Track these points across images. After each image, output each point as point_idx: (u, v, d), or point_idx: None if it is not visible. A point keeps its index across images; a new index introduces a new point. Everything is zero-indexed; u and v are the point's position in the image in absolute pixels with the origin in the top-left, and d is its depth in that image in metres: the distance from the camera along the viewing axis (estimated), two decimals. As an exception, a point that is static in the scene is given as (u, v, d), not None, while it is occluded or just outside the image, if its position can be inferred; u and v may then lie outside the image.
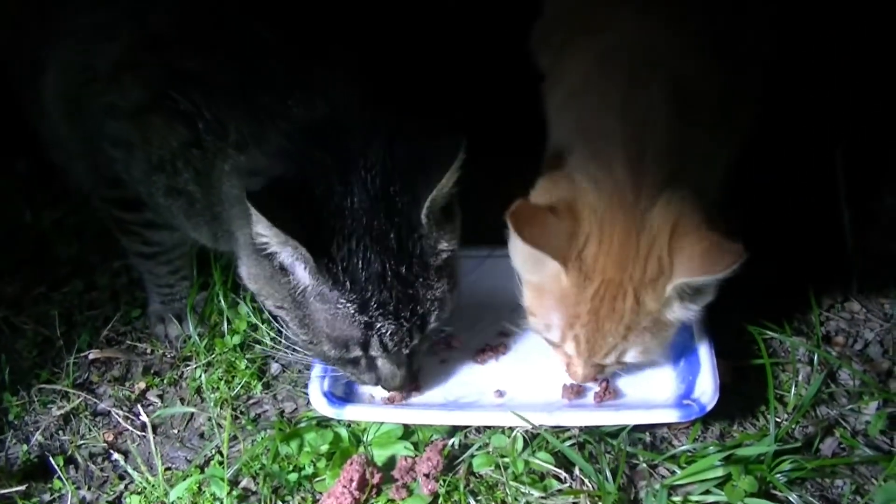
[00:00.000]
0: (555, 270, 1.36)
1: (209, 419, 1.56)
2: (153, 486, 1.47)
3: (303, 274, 1.32)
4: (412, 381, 1.50)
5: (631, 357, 1.41)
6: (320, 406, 1.47)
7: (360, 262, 1.30)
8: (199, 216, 1.48)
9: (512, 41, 1.82)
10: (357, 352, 1.37)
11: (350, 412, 1.47)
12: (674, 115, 1.39)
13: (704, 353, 1.48)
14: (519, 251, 1.39)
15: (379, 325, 1.33)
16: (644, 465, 1.44)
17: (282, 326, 1.46)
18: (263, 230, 1.27)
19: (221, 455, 1.50)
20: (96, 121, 1.51)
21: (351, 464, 1.40)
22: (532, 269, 1.40)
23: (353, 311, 1.32)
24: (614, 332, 1.36)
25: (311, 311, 1.34)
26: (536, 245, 1.33)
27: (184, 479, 1.46)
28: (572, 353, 1.42)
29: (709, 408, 1.40)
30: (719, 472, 1.38)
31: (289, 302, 1.35)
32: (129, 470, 1.51)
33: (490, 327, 1.64)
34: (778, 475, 1.40)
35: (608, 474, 1.40)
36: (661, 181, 1.35)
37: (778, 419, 1.49)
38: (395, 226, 1.31)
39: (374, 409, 1.51)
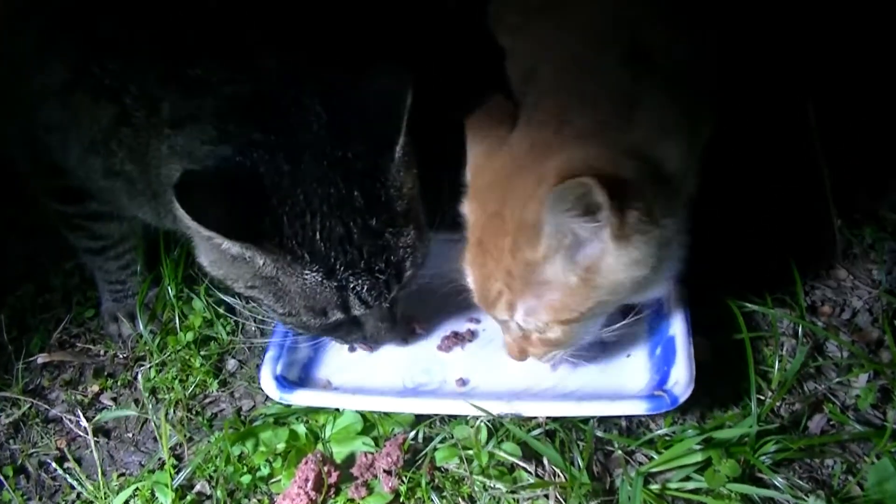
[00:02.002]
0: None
1: (163, 421, 1.48)
2: (104, 494, 1.40)
3: (258, 257, 1.26)
4: (399, 330, 1.46)
5: (520, 316, 1.30)
6: (269, 390, 1.41)
7: (316, 233, 1.25)
8: (140, 195, 1.42)
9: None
10: (338, 314, 1.32)
11: (300, 397, 1.41)
12: (627, 79, 1.31)
13: (681, 342, 1.40)
14: None
15: (353, 283, 1.29)
16: (619, 451, 1.37)
17: (257, 305, 1.41)
18: (190, 224, 1.21)
19: (176, 459, 1.44)
20: (30, 108, 1.45)
21: (306, 462, 1.33)
22: None
23: (320, 279, 1.28)
24: (496, 273, 1.28)
25: (282, 285, 1.30)
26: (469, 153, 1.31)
27: (130, 486, 1.39)
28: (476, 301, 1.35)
29: (681, 400, 1.31)
30: (699, 457, 1.30)
31: (258, 280, 1.30)
32: (82, 478, 1.44)
33: (457, 314, 1.59)
34: (762, 457, 1.32)
35: (580, 463, 1.32)
36: (585, 135, 1.26)
37: (761, 397, 1.41)
38: (357, 183, 1.26)
39: (326, 395, 1.44)
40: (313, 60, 1.37)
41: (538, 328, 1.32)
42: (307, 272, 1.27)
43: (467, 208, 1.35)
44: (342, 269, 1.28)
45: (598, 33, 1.39)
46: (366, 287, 1.30)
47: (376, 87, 1.28)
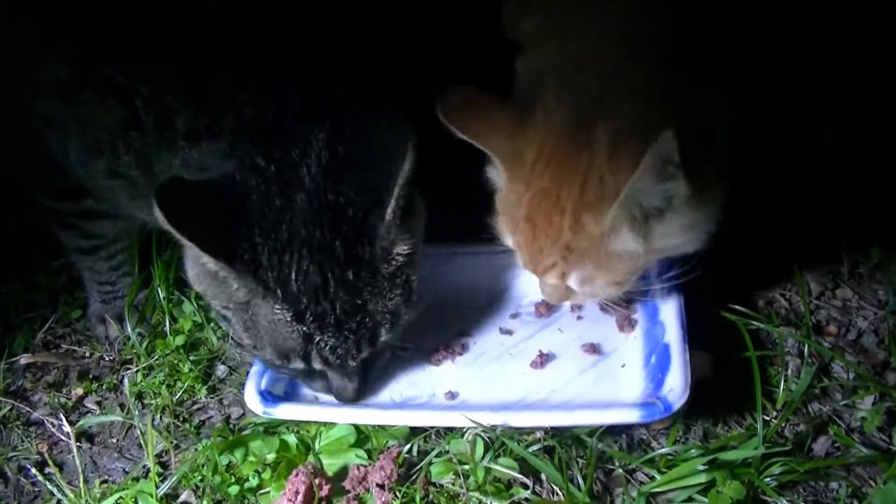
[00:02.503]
0: (500, 166, 1.31)
1: (149, 428, 1.44)
2: (86, 501, 1.36)
3: (232, 281, 1.23)
4: (363, 393, 1.40)
5: (574, 282, 1.32)
6: (252, 404, 1.37)
7: (293, 273, 1.22)
8: (141, 198, 1.37)
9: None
10: (299, 363, 1.29)
11: (284, 411, 1.37)
12: (669, 44, 1.32)
13: (676, 349, 1.36)
14: None
15: (318, 337, 1.26)
16: (620, 469, 1.33)
17: (229, 329, 1.37)
18: (166, 227, 1.16)
19: (161, 467, 1.39)
20: (29, 102, 1.41)
21: (297, 475, 1.29)
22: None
23: (289, 319, 1.24)
24: (550, 248, 1.28)
25: (252, 315, 1.26)
26: (473, 138, 1.28)
27: (113, 494, 1.35)
28: (522, 265, 1.36)
29: (676, 407, 1.27)
30: (702, 478, 1.26)
31: (232, 304, 1.27)
32: (63, 484, 1.40)
33: (449, 327, 1.55)
34: (767, 479, 1.28)
35: (579, 480, 1.28)
36: (632, 99, 1.27)
37: (766, 417, 1.37)
38: (342, 234, 1.23)
39: (311, 409, 1.39)
40: (328, 89, 1.33)
41: (589, 291, 1.34)
42: (278, 308, 1.23)
43: (506, 186, 1.33)
44: (311, 318, 1.24)
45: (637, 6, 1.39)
46: (329, 344, 1.26)
47: (378, 140, 1.25)
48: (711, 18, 1.43)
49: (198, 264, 1.26)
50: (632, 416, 1.28)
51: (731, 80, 1.40)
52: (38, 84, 1.37)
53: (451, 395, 1.42)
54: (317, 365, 1.30)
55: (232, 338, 1.42)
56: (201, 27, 1.32)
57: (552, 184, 1.27)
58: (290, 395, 1.43)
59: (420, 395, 1.43)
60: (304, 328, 1.25)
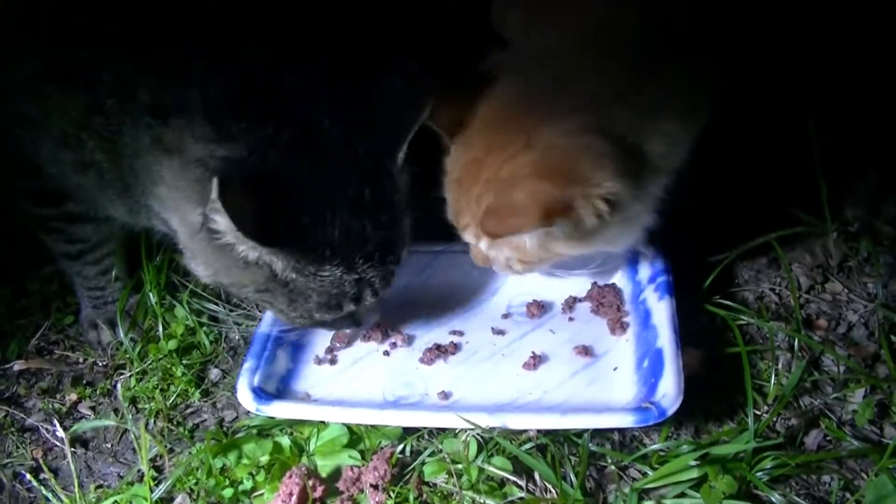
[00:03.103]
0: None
1: (143, 432, 1.43)
2: (80, 507, 1.35)
3: (278, 261, 1.24)
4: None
5: (484, 246, 1.38)
6: (245, 401, 1.37)
7: (336, 230, 1.24)
8: (109, 188, 1.37)
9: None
10: (350, 307, 1.32)
11: (277, 408, 1.37)
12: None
13: (669, 353, 1.36)
14: None
15: (369, 276, 1.30)
16: (613, 466, 1.33)
17: (265, 307, 1.42)
18: (223, 226, 1.17)
19: (156, 471, 1.39)
20: (3, 103, 1.40)
21: (290, 476, 1.29)
22: None
23: (340, 274, 1.27)
24: (466, 213, 1.36)
25: (297, 286, 1.27)
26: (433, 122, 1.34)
27: (108, 499, 1.35)
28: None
29: (669, 412, 1.28)
30: (694, 473, 1.27)
31: (272, 284, 1.27)
32: (58, 490, 1.40)
33: (441, 326, 1.55)
34: (759, 473, 1.28)
35: (572, 478, 1.29)
36: (574, 110, 1.29)
37: (757, 412, 1.38)
38: (368, 183, 1.26)
39: (305, 407, 1.39)
40: (316, 55, 1.34)
41: (501, 259, 1.39)
42: (327, 269, 1.25)
43: (452, 145, 1.38)
44: (361, 262, 1.27)
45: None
46: (379, 278, 1.31)
47: (392, 89, 1.29)
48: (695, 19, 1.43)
49: (225, 258, 1.24)
50: (626, 421, 1.28)
51: (709, 79, 1.40)
52: (12, 82, 1.37)
53: (445, 395, 1.42)
54: (367, 300, 1.33)
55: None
56: (161, 5, 1.32)
57: (482, 153, 1.32)
58: (281, 393, 1.43)
59: (412, 394, 1.43)
60: (356, 275, 1.28)
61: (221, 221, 1.16)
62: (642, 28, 1.35)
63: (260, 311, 1.59)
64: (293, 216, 1.21)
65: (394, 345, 1.52)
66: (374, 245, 1.27)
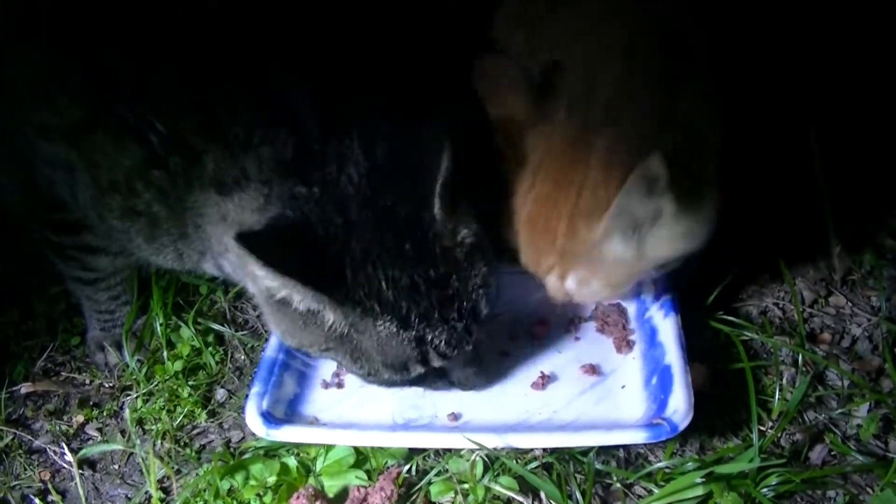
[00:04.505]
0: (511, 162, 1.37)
1: (150, 454, 1.44)
2: (88, 529, 1.36)
3: (328, 312, 1.23)
4: (486, 371, 1.42)
5: (571, 284, 1.36)
6: (255, 426, 1.37)
7: (382, 283, 1.21)
8: (165, 235, 1.36)
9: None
10: (418, 369, 1.28)
11: (287, 433, 1.37)
12: (666, 60, 1.35)
13: (677, 370, 1.37)
14: None
15: (430, 336, 1.25)
16: (618, 484, 1.33)
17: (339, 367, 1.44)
18: (267, 279, 1.19)
19: (163, 492, 1.40)
20: (28, 144, 1.39)
21: (297, 497, 1.30)
22: None
23: (395, 330, 1.23)
24: (549, 251, 1.33)
25: (357, 344, 1.26)
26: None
27: (116, 522, 1.35)
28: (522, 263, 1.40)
29: (681, 427, 1.28)
30: (700, 491, 1.27)
31: (332, 341, 1.26)
32: (66, 512, 1.40)
33: None
34: (764, 490, 1.29)
35: (578, 497, 1.29)
36: (632, 117, 1.30)
37: (762, 427, 1.38)
38: (407, 236, 1.23)
39: (315, 430, 1.39)
40: (349, 96, 1.33)
41: (588, 293, 1.38)
42: (379, 324, 1.23)
43: (514, 177, 1.36)
44: (416, 320, 1.23)
45: (634, 20, 1.41)
46: (443, 339, 1.26)
47: (415, 139, 1.25)
48: (704, 30, 1.44)
49: (284, 317, 1.26)
50: (638, 437, 1.29)
51: (722, 90, 1.41)
52: (43, 125, 1.35)
53: (455, 416, 1.42)
54: (436, 363, 1.29)
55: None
56: (212, 61, 1.31)
57: (553, 188, 1.31)
58: (290, 417, 1.43)
59: (421, 416, 1.43)
60: (414, 332, 1.24)
61: (259, 272, 1.18)
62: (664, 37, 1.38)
63: (267, 332, 1.60)
64: (331, 263, 1.20)
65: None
66: (430, 302, 1.23)
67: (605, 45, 1.39)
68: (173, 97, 1.28)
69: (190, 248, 1.36)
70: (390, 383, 1.33)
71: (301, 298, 1.21)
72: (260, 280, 1.22)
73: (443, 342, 1.26)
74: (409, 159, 1.25)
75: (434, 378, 1.35)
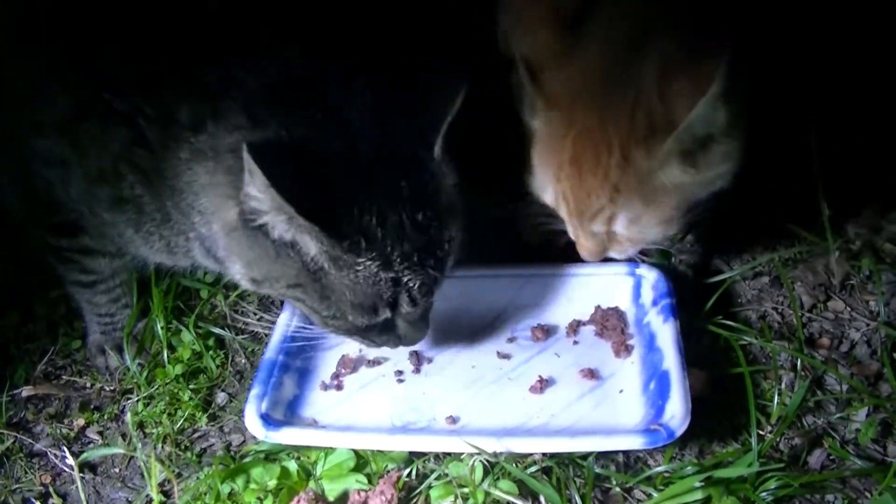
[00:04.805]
0: (539, 104, 1.29)
1: (151, 458, 1.44)
2: (89, 533, 1.36)
3: (312, 242, 1.20)
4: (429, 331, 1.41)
5: (621, 226, 1.32)
6: (254, 428, 1.37)
7: (373, 218, 1.19)
8: (150, 223, 1.37)
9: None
10: (386, 313, 1.28)
11: (287, 435, 1.37)
12: None
13: (675, 375, 1.37)
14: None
15: (406, 278, 1.24)
16: (618, 489, 1.34)
17: (297, 305, 1.36)
18: (258, 192, 1.15)
19: (164, 496, 1.40)
20: (25, 142, 1.40)
21: (298, 501, 1.30)
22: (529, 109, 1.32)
23: (376, 270, 1.22)
24: (599, 190, 1.27)
25: (330, 281, 1.23)
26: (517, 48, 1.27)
27: (117, 526, 1.35)
28: (565, 217, 1.33)
29: (678, 433, 1.28)
30: (699, 495, 1.27)
31: (304, 276, 1.24)
32: (66, 515, 1.40)
33: (446, 351, 1.56)
34: (763, 494, 1.29)
35: (577, 501, 1.29)
36: (674, 33, 1.25)
37: (761, 432, 1.38)
38: (404, 173, 1.22)
39: (314, 433, 1.40)
40: (348, 52, 1.34)
41: (637, 232, 1.33)
42: (361, 261, 1.20)
43: (541, 118, 1.31)
44: (399, 259, 1.22)
45: None
46: (418, 283, 1.25)
47: (429, 81, 1.24)
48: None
49: (258, 246, 1.23)
50: (635, 443, 1.29)
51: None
52: (38, 122, 1.37)
53: (453, 420, 1.42)
54: (405, 308, 1.28)
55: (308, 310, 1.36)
56: (193, 22, 1.32)
57: (598, 120, 1.25)
58: (289, 419, 1.43)
59: (420, 419, 1.43)
60: (393, 273, 1.23)
61: (257, 194, 1.15)
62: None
63: (267, 336, 1.60)
64: (327, 191, 1.17)
65: (400, 371, 1.52)
66: (413, 244, 1.22)
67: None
68: (157, 76, 1.29)
69: (174, 232, 1.36)
70: (348, 328, 1.31)
71: (287, 228, 1.19)
72: (245, 202, 1.19)
73: (416, 286, 1.26)
74: (422, 96, 1.24)
75: (382, 329, 1.33)
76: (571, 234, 1.41)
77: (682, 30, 1.27)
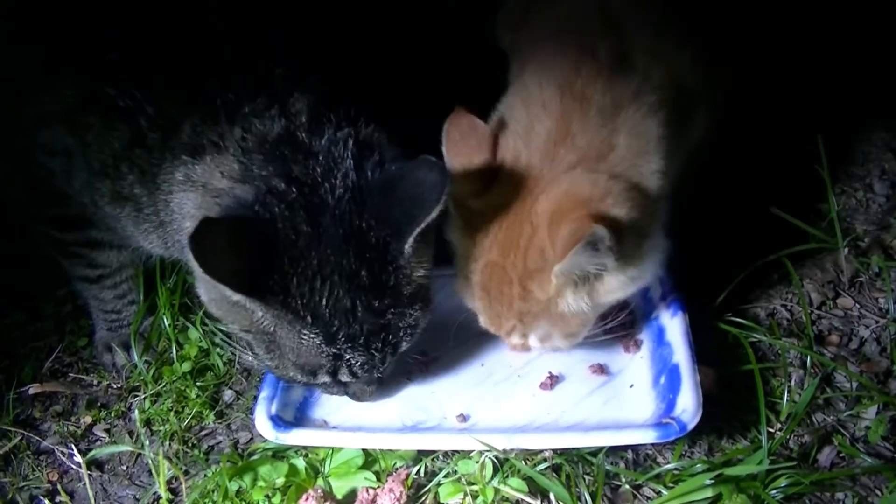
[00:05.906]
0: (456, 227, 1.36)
1: (158, 454, 1.44)
2: (96, 530, 1.36)
3: (259, 311, 1.23)
4: (383, 390, 1.44)
5: (534, 341, 1.36)
6: (264, 430, 1.37)
7: (323, 299, 1.22)
8: (147, 222, 1.38)
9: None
10: (326, 378, 1.30)
11: (297, 436, 1.37)
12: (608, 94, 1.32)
13: (686, 369, 1.36)
14: None
15: (348, 356, 1.27)
16: (627, 486, 1.33)
17: (246, 348, 1.37)
18: (197, 273, 1.18)
19: (172, 493, 1.40)
20: (29, 133, 1.41)
21: (306, 499, 1.30)
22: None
23: (318, 343, 1.25)
24: (507, 314, 1.32)
25: (276, 339, 1.27)
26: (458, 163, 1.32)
27: (125, 523, 1.35)
28: (483, 325, 1.39)
29: (690, 427, 1.28)
30: (709, 492, 1.27)
31: (254, 329, 1.27)
32: (73, 513, 1.40)
33: (456, 349, 1.55)
34: (773, 492, 1.29)
35: (587, 498, 1.29)
36: (573, 162, 1.29)
37: (770, 429, 1.38)
38: (367, 261, 1.23)
39: (324, 433, 1.40)
40: (348, 95, 1.34)
41: (551, 345, 1.36)
42: (306, 333, 1.24)
43: (460, 243, 1.37)
44: (343, 339, 1.25)
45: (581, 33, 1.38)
46: (359, 362, 1.29)
47: (412, 173, 1.23)
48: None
49: (216, 293, 1.26)
50: (648, 437, 1.29)
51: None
52: (42, 112, 1.38)
53: (463, 418, 1.42)
54: (344, 378, 1.31)
55: (250, 355, 1.39)
56: (206, 42, 1.33)
57: (500, 256, 1.31)
58: (299, 420, 1.43)
59: (429, 418, 1.43)
60: (335, 349, 1.26)
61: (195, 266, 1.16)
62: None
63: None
64: (279, 270, 1.20)
65: (409, 371, 1.52)
66: (363, 327, 1.25)
67: (550, 64, 1.37)
68: (163, 79, 1.30)
69: (169, 236, 1.36)
70: (290, 380, 1.35)
71: (232, 294, 1.20)
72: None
73: (357, 364, 1.29)
74: (401, 190, 1.23)
75: (333, 384, 1.35)
76: None
77: (578, 162, 1.30)
